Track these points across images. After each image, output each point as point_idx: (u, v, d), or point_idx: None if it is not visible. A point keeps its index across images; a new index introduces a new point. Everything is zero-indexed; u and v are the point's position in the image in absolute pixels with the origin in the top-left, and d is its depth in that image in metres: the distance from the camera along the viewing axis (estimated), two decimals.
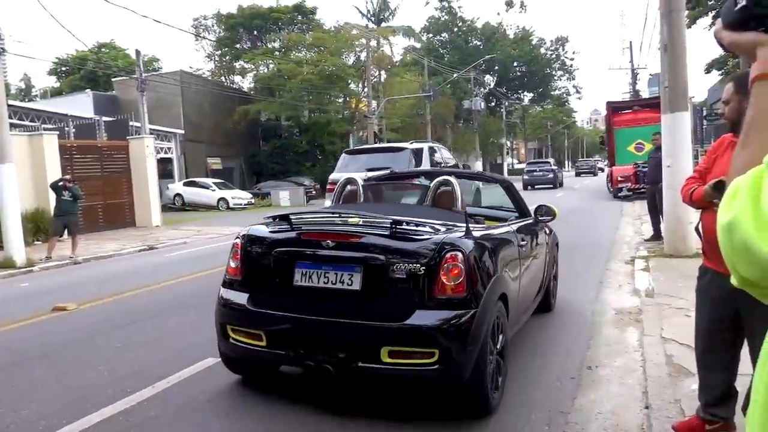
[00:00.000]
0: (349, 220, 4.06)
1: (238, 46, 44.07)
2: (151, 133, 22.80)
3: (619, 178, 22.51)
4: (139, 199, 20.57)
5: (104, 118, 24.95)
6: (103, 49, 43.94)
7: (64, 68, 43.75)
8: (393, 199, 6.52)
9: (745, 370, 3.03)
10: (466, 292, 3.59)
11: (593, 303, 6.74)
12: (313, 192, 33.79)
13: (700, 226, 3.21)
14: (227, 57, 44.51)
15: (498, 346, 3.93)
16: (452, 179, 5.14)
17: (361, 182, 5.59)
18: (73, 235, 12.88)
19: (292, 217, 4.13)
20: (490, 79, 63.73)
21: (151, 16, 69.07)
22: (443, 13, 62.22)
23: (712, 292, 3.11)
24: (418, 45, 57.01)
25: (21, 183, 15.31)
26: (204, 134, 35.63)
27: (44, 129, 19.63)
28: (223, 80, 44.77)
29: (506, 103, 63.56)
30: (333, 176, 11.81)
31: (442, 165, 12.93)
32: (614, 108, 25.14)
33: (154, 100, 28.85)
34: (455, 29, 62.60)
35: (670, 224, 9.25)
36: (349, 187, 5.54)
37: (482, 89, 57.49)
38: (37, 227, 15.60)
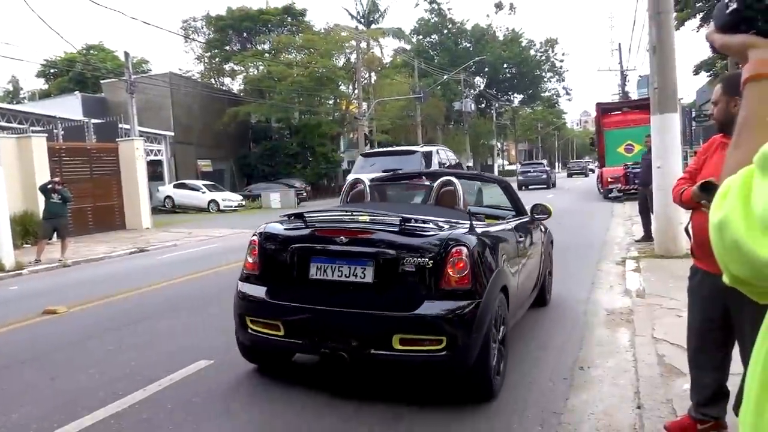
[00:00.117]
0: (360, 217, 4.28)
1: (227, 47, 43.96)
2: (140, 136, 22.71)
3: (610, 179, 22.61)
4: (128, 202, 20.46)
5: (93, 121, 24.83)
6: (91, 51, 43.73)
7: (52, 70, 43.49)
8: (398, 198, 6.77)
9: (736, 370, 3.05)
10: (471, 284, 3.85)
11: (585, 303, 6.77)
12: (304, 194, 33.75)
13: (689, 227, 3.24)
14: (217, 59, 44.39)
15: (500, 335, 4.18)
16: (454, 180, 5.42)
17: (367, 182, 5.86)
18: (62, 237, 12.80)
19: (306, 215, 4.36)
20: (480, 81, 63.85)
21: (140, 18, 68.93)
22: (433, 15, 62.36)
23: (702, 292, 3.14)
24: (408, 47, 57.02)
25: (9, 185, 15.20)
26: (194, 136, 35.52)
27: (33, 131, 19.49)
28: (213, 82, 44.65)
29: (496, 105, 63.75)
30: (351, 177, 12.52)
31: (445, 165, 13.99)
32: (604, 109, 25.25)
33: (144, 102, 28.72)
34: (445, 31, 62.73)
35: (660, 225, 9.30)
36: (356, 187, 5.81)
37: (472, 91, 57.64)
38: (26, 230, 15.49)
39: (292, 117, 40.05)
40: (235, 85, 45.53)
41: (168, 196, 29.83)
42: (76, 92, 35.28)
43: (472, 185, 8.48)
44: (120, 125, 24.72)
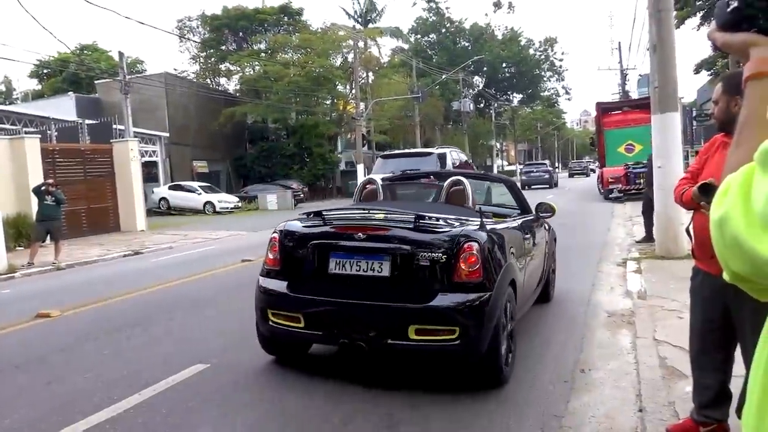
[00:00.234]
0: (376, 215, 4.59)
1: (223, 47, 43.92)
2: (135, 136, 22.67)
3: (610, 180, 22.63)
4: (123, 204, 20.44)
5: (87, 121, 24.83)
6: (85, 51, 43.72)
7: (45, 70, 43.47)
8: (409, 197, 7.03)
9: (739, 372, 3.05)
10: (482, 277, 4.13)
11: (585, 305, 6.78)
12: (301, 195, 33.72)
13: (691, 228, 3.24)
14: (212, 59, 44.36)
15: (509, 327, 4.46)
16: (464, 179, 5.73)
17: (380, 182, 6.17)
18: (56, 240, 12.79)
19: (325, 213, 4.69)
20: (479, 80, 63.99)
21: (134, 18, 68.89)
22: (431, 14, 62.43)
23: (703, 293, 3.15)
24: (405, 46, 57.08)
25: (2, 187, 15.20)
26: (189, 137, 35.49)
27: (26, 132, 19.50)
28: (209, 82, 44.62)
29: (495, 105, 63.80)
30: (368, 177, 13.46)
31: (455, 165, 15.39)
32: (604, 109, 25.28)
33: (138, 103, 28.68)
34: (443, 30, 62.80)
35: (661, 225, 9.31)
36: (369, 187, 6.14)
37: (471, 90, 57.73)
38: (18, 232, 15.44)
39: (289, 117, 40.04)
40: (231, 85, 45.59)
41: (163, 198, 29.80)
42: (70, 93, 35.25)
43: (480, 185, 8.69)
44: (114, 126, 24.71)
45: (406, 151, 21.95)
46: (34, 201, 13.45)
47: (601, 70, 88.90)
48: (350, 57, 40.37)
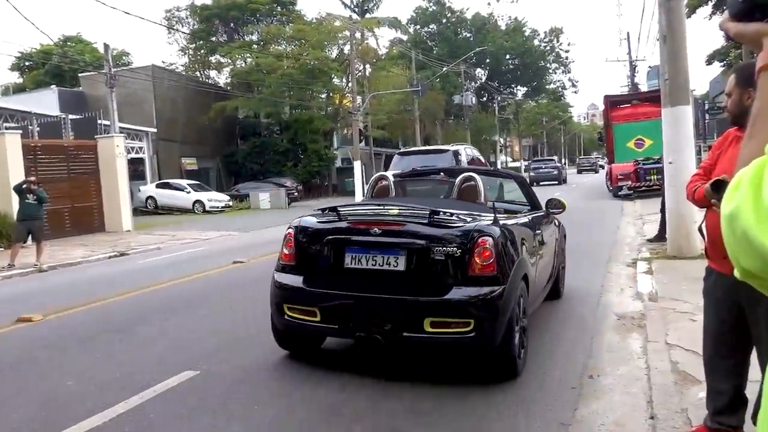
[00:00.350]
0: (390, 211, 4.89)
1: (213, 39, 43.86)
2: (121, 132, 22.66)
3: (619, 176, 22.62)
4: (108, 203, 20.42)
5: (71, 116, 24.73)
6: (69, 43, 43.57)
7: (27, 63, 43.37)
8: (421, 193, 7.26)
9: (755, 376, 3.06)
10: (496, 271, 4.40)
11: (594, 308, 6.78)
12: (295, 193, 33.69)
13: (703, 226, 3.24)
14: (202, 51, 44.28)
15: (522, 320, 4.71)
16: (475, 175, 6.03)
17: (392, 178, 6.45)
18: (37, 241, 12.76)
19: (340, 208, 4.99)
20: (481, 73, 63.94)
21: (120, 8, 68.72)
22: (431, 4, 62.44)
23: (716, 293, 3.15)
24: (404, 37, 57.11)
25: None
26: (178, 133, 35.45)
27: (6, 128, 19.42)
28: (198, 75, 44.54)
29: (499, 98, 63.81)
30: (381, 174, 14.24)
31: (468, 162, 16.53)
32: (612, 102, 25.29)
33: (124, 97, 28.65)
34: (444, 20, 62.81)
35: (673, 224, 9.31)
36: (381, 183, 6.39)
37: (473, 83, 57.69)
38: None
39: (283, 112, 39.97)
40: (222, 78, 45.49)
41: (150, 197, 29.76)
42: (53, 86, 35.15)
43: (492, 181, 8.88)
44: (99, 121, 24.63)
45: (423, 148, 24.36)
46: (15, 200, 13.42)
47: (609, 61, 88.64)
48: (346, 48, 40.29)
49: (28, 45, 62.89)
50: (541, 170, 42.02)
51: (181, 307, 7.97)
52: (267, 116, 40.43)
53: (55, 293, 9.56)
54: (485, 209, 5.30)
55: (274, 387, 4.77)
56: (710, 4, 26.37)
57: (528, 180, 35.03)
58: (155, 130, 31.71)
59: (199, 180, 32.79)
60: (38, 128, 22.75)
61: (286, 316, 4.85)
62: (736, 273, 0.89)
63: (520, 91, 72.25)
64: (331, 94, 42.82)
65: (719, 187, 2.67)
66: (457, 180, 6.09)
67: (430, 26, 63.00)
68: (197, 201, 29.20)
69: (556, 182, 39.87)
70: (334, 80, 42.14)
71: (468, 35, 63.47)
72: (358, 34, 42.24)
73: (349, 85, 39.01)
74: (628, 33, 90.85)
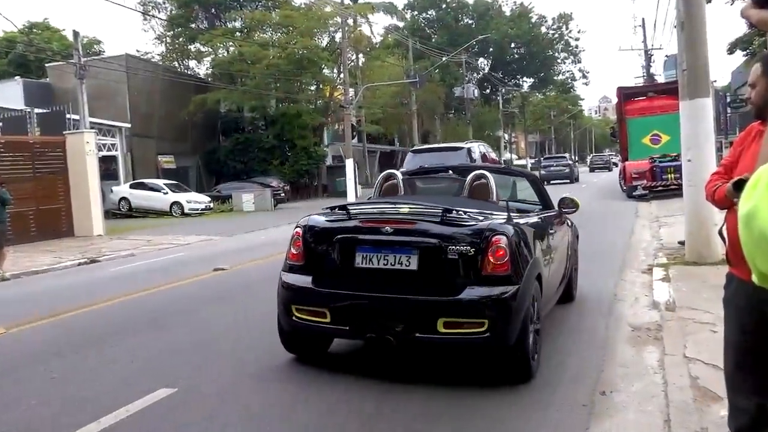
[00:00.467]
0: (402, 209, 5.04)
1: (193, 25, 43.87)
2: (91, 127, 22.62)
3: (633, 175, 22.62)
4: (77, 204, 20.38)
5: (37, 110, 24.72)
6: (35, 30, 43.51)
7: None
8: (430, 191, 7.39)
9: None
10: (510, 270, 4.62)
11: (606, 318, 6.78)
12: (282, 194, 33.66)
13: (724, 229, 3.22)
14: (180, 39, 44.26)
15: (537, 324, 4.96)
16: (487, 173, 6.25)
17: (400, 176, 6.70)
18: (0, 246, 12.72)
19: (349, 207, 5.23)
20: (484, 63, 64.14)
21: None
22: None
23: (738, 302, 3.13)
24: (401, 24, 57.17)
25: None
26: (154, 128, 35.41)
27: None
28: (176, 66, 44.55)
29: (503, 90, 63.93)
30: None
31: (481, 159, 17.54)
32: (626, 95, 25.33)
33: (96, 89, 28.58)
34: (443, 6, 62.92)
35: (692, 227, 9.30)
36: (390, 181, 6.63)
37: (475, 74, 57.88)
38: None
39: (268, 105, 39.98)
40: (202, 69, 45.53)
41: (123, 198, 29.74)
42: (17, 77, 35.08)
43: (505, 179, 9.02)
44: (68, 115, 24.58)
45: (437, 145, 25.97)
46: None
47: (623, 50, 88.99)
48: (338, 36, 40.37)
49: None
50: (552, 168, 43.29)
51: (157, 318, 7.94)
52: (251, 110, 40.38)
53: (19, 304, 9.52)
54: (498, 208, 5.52)
55: (263, 402, 4.76)
56: None
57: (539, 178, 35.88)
58: (129, 125, 31.68)
59: (177, 180, 32.73)
60: (1, 123, 22.70)
61: (293, 317, 5.06)
62: (754, 277, 0.88)
63: (526, 82, 72.46)
64: (321, 86, 42.84)
65: (742, 186, 2.66)
66: (468, 178, 6.31)
67: (429, 12, 63.13)
68: (175, 202, 29.18)
69: (568, 180, 41.01)
70: (324, 71, 42.16)
71: (470, 22, 63.60)
72: (350, 21, 42.31)
73: (341, 76, 39.05)
74: (643, 19, 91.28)
